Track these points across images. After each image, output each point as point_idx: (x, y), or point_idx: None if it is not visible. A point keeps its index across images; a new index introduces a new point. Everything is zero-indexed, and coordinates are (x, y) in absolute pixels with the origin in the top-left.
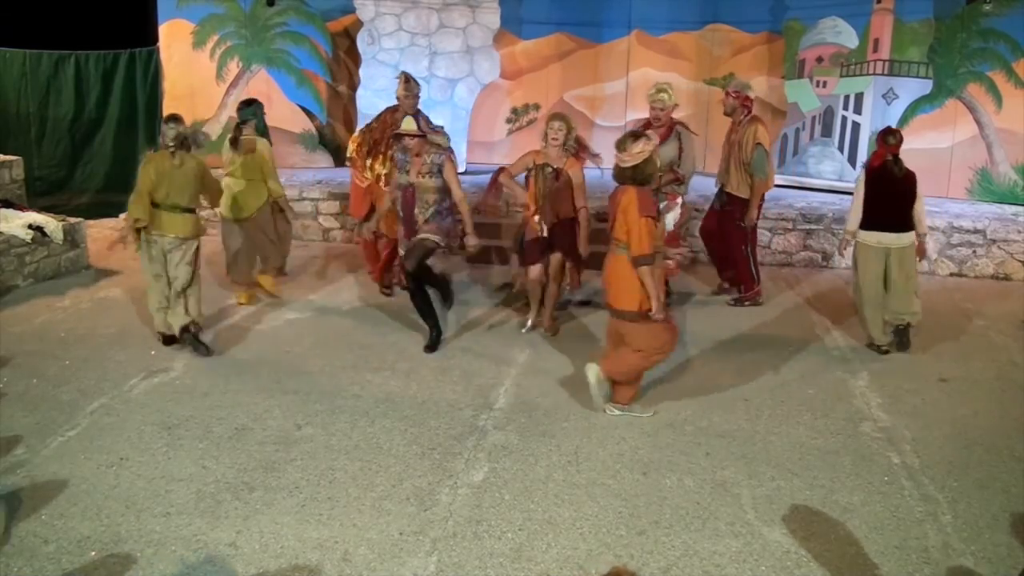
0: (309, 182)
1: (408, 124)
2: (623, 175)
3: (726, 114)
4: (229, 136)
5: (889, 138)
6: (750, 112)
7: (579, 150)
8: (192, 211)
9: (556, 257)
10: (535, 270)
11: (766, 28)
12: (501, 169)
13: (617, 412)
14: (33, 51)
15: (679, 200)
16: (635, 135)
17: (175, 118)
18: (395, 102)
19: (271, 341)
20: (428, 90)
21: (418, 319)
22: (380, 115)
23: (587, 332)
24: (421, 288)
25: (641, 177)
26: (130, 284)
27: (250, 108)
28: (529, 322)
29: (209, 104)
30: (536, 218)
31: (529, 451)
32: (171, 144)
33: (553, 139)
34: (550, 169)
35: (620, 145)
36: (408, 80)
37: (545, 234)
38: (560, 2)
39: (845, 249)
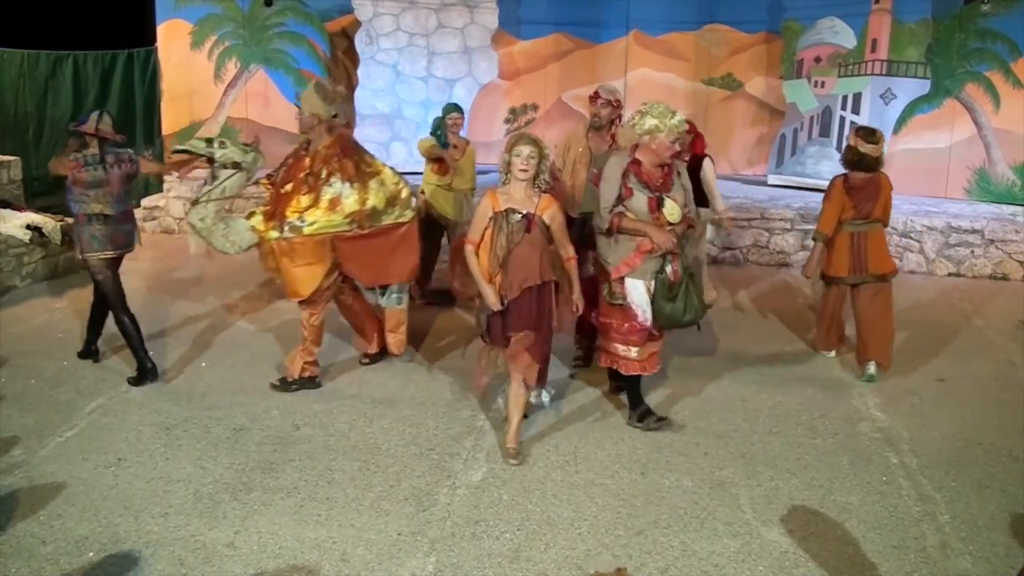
0: None
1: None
2: (876, 163)
3: (599, 126)
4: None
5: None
6: (620, 118)
7: (554, 184)
8: None
9: (520, 340)
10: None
11: (764, 28)
12: (462, 239)
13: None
14: (31, 51)
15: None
16: (872, 128)
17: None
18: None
19: (269, 341)
20: (427, 90)
21: (420, 319)
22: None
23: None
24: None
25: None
26: (127, 285)
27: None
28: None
29: (207, 104)
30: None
31: (527, 451)
32: None
33: (522, 170)
34: (519, 216)
35: (870, 137)
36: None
37: (498, 308)
38: (558, 2)
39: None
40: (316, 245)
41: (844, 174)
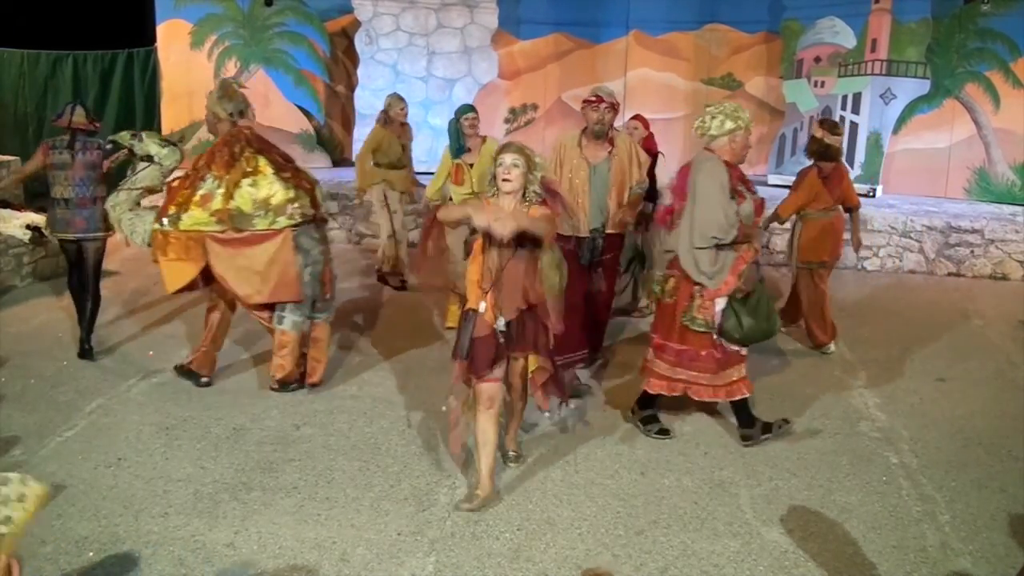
0: None
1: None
2: (839, 154)
3: (600, 134)
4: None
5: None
6: (613, 124)
7: (549, 196)
8: None
9: (521, 365)
10: (488, 388)
11: (764, 28)
12: (437, 209)
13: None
14: (31, 51)
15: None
16: (834, 121)
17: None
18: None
19: (269, 341)
20: (426, 90)
21: (421, 318)
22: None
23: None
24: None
25: None
26: (127, 285)
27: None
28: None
29: None
30: (484, 305)
31: (527, 451)
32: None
33: (504, 180)
34: None
35: (835, 129)
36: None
37: (503, 328)
38: (558, 2)
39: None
40: (189, 241)
41: (815, 165)
